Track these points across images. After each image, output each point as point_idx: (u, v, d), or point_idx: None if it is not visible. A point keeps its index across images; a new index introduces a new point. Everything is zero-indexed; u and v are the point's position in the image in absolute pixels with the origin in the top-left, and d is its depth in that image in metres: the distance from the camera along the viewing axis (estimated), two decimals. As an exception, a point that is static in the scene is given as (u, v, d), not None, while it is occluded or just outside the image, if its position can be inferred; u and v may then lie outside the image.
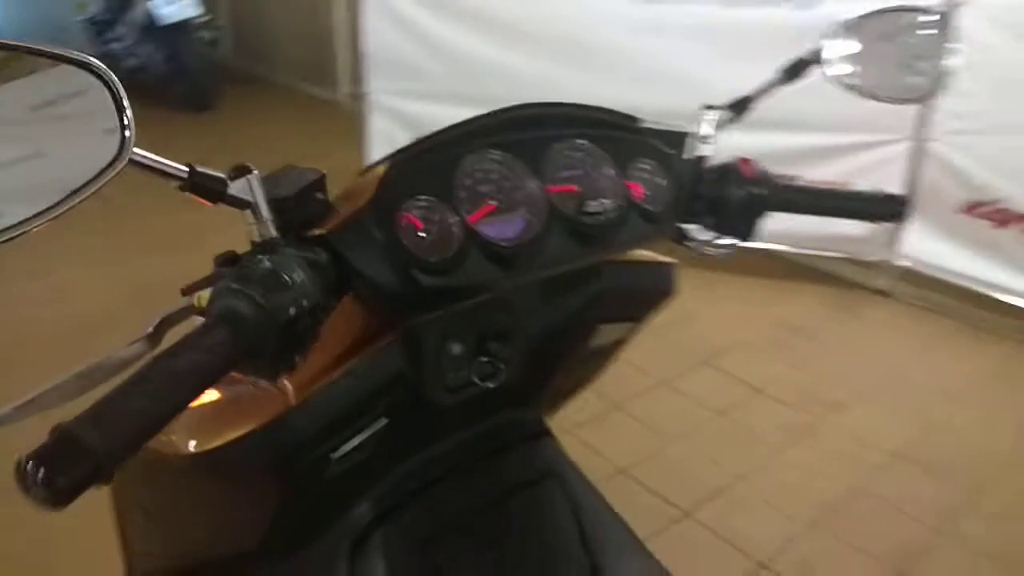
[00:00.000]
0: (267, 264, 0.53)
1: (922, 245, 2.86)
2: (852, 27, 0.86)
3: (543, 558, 0.85)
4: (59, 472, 0.41)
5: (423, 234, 0.61)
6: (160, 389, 0.45)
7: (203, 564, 0.90)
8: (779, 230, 2.88)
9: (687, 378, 2.41)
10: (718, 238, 0.85)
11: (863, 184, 0.98)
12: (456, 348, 0.73)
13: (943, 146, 2.72)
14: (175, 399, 0.46)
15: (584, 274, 0.82)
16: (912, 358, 2.62)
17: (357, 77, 3.50)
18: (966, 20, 2.51)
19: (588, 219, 0.69)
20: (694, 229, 0.85)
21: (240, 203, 0.56)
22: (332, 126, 4.46)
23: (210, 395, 0.67)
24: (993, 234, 2.68)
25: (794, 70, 0.87)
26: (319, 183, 0.61)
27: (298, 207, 0.59)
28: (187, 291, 0.59)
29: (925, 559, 1.79)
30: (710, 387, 2.38)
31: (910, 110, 2.72)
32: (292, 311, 0.53)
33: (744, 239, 0.84)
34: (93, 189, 0.47)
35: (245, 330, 0.50)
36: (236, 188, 0.55)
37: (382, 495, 0.81)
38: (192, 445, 0.65)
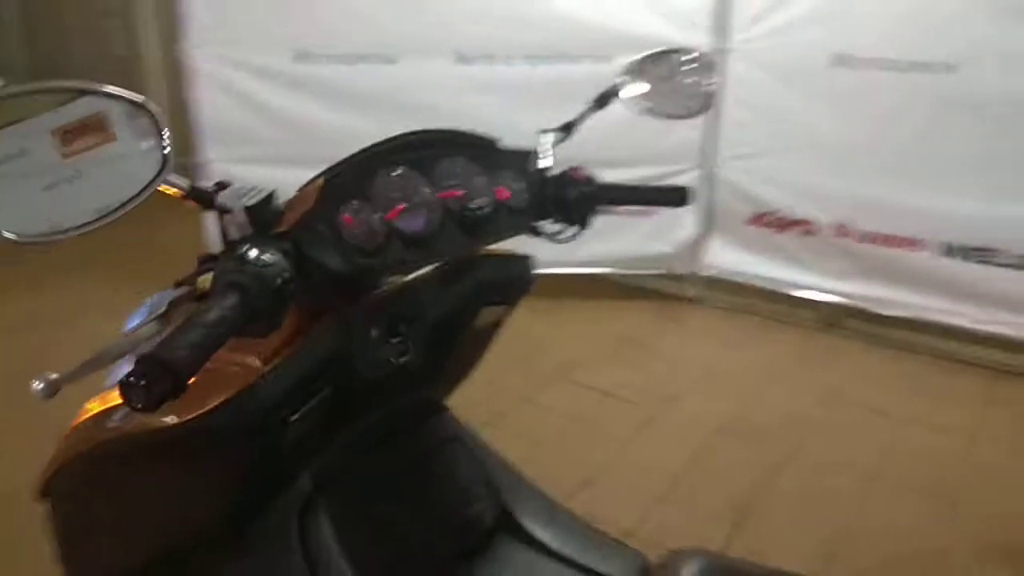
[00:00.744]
0: (253, 250, 0.70)
1: (722, 255, 3.33)
2: (636, 67, 1.15)
3: (461, 504, 1.03)
4: (153, 383, 0.56)
5: (355, 228, 0.80)
6: (201, 332, 0.61)
7: (154, 563, 0.99)
8: (603, 252, 3.34)
9: (545, 392, 2.66)
10: (563, 229, 1.09)
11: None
12: (374, 331, 0.91)
13: (727, 170, 3.22)
14: (212, 341, 0.62)
15: (468, 266, 1.02)
16: (727, 351, 3.04)
17: (188, 147, 3.54)
18: (738, 65, 3.08)
19: (471, 214, 0.91)
20: (545, 224, 1.08)
21: (225, 209, 0.72)
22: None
23: None
24: (776, 239, 3.19)
25: (602, 99, 1.14)
26: (271, 196, 0.78)
27: (262, 212, 0.76)
28: (182, 282, 0.74)
29: (754, 509, 2.12)
30: (566, 397, 2.65)
31: (697, 142, 3.21)
32: (278, 280, 0.70)
33: (582, 227, 1.09)
34: (141, 199, 0.63)
35: (249, 294, 0.67)
36: (222, 198, 0.72)
37: (321, 468, 0.96)
38: (175, 418, 0.78)
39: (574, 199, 1.06)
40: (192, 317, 0.62)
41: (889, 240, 2.96)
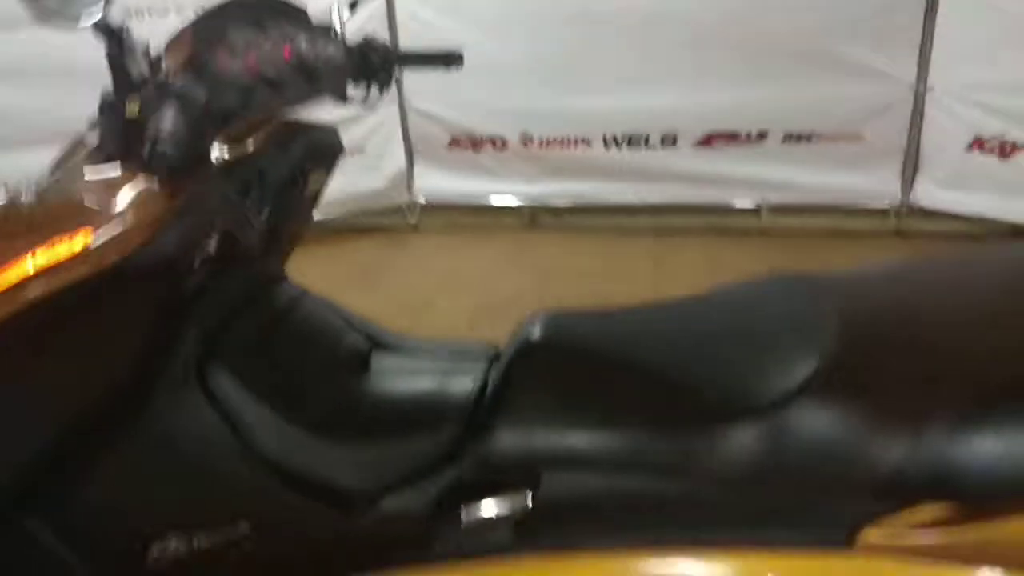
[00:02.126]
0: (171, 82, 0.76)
1: (430, 181, 3.60)
2: None
3: (336, 337, 1.14)
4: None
5: (229, 69, 0.87)
6: (182, 119, 0.68)
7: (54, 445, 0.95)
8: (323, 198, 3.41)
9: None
10: (368, 94, 1.22)
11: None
12: (231, 192, 0.98)
13: (419, 101, 3.46)
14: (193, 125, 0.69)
15: (296, 132, 1.11)
16: (454, 261, 3.34)
17: None
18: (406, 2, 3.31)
19: (309, 63, 1.00)
20: (351, 90, 1.20)
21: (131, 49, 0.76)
22: None
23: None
24: (475, 158, 3.53)
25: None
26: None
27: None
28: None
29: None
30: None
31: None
32: (203, 97, 0.76)
33: (383, 88, 1.23)
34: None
35: (186, 101, 0.72)
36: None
37: (205, 329, 1.00)
38: (107, 258, 0.79)
39: (377, 63, 1.19)
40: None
41: (565, 142, 3.45)
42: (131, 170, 0.85)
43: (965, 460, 0.80)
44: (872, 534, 0.84)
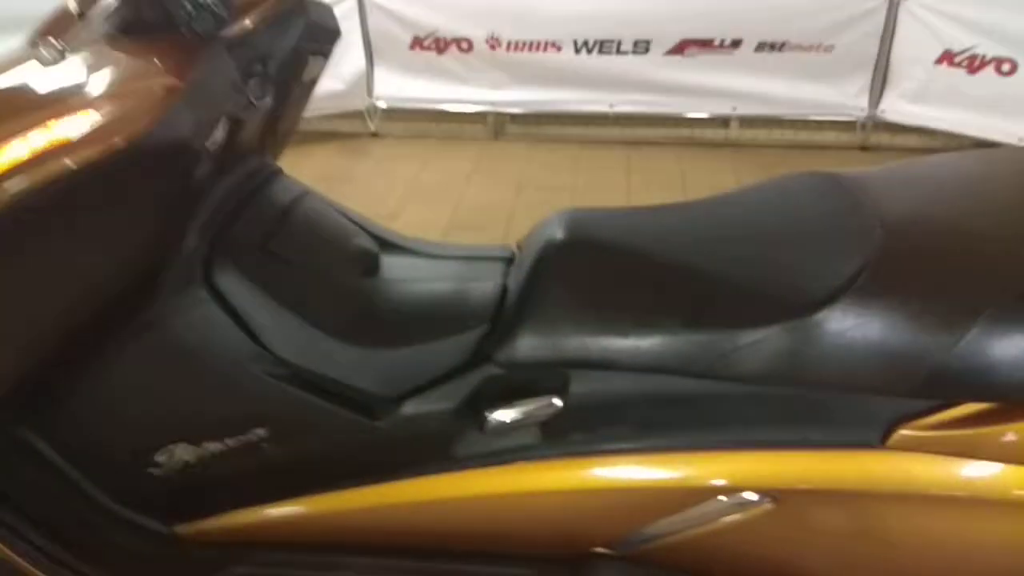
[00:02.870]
0: None
1: (391, 85, 3.44)
2: None
3: (342, 239, 1.07)
4: None
5: None
6: None
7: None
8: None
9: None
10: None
11: None
12: (235, 73, 0.88)
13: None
14: None
15: (296, 9, 1.01)
16: (420, 171, 3.23)
17: None
18: None
19: None
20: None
21: None
22: None
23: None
24: (438, 61, 3.38)
25: None
26: None
27: None
28: None
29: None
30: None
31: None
32: None
33: None
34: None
35: None
36: None
37: (205, 225, 0.93)
38: (117, 138, 0.71)
39: None
40: None
41: (533, 46, 3.32)
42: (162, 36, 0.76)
43: (1006, 360, 0.80)
44: (908, 433, 0.85)
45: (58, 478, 1.00)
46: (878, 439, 0.86)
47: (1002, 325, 0.80)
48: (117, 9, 0.80)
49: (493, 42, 3.32)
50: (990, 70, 3.00)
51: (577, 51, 3.32)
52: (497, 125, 3.52)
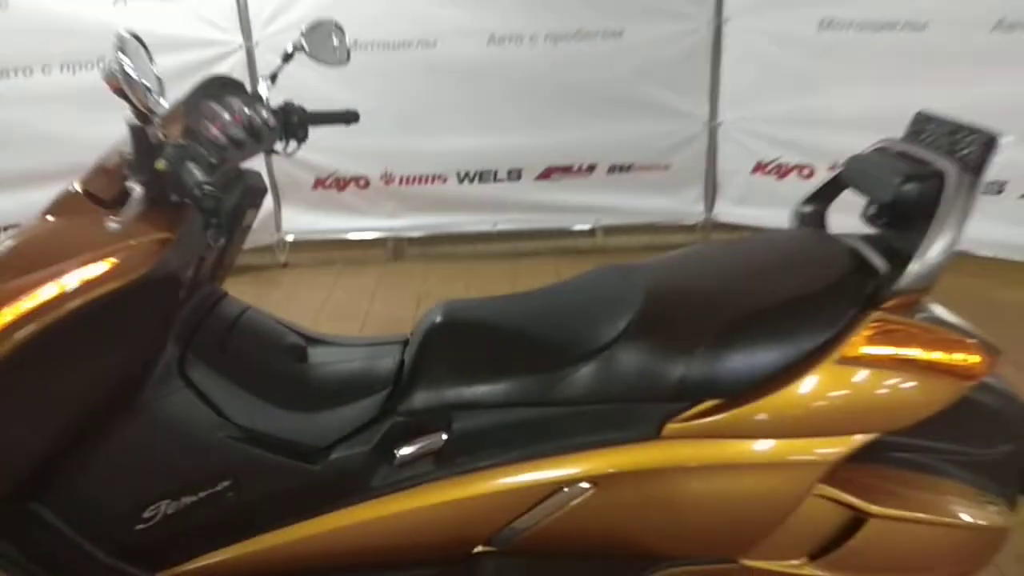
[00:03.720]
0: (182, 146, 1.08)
1: (297, 220, 3.88)
2: (307, 31, 1.61)
3: (279, 338, 1.46)
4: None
5: (214, 134, 1.19)
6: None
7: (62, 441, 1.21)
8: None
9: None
10: (288, 145, 1.56)
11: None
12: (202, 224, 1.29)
13: (284, 147, 3.73)
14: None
15: (239, 177, 1.44)
16: (327, 294, 3.62)
17: None
18: (266, 55, 3.59)
19: (259, 128, 1.34)
20: (278, 144, 1.54)
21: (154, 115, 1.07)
22: None
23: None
24: (339, 196, 3.85)
25: (287, 56, 1.60)
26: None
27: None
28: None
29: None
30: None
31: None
32: (208, 155, 1.08)
33: (301, 141, 1.57)
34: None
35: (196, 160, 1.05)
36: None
37: (178, 335, 1.30)
38: (133, 271, 1.09)
39: (295, 122, 1.54)
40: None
41: (422, 179, 3.85)
42: (172, 207, 1.17)
43: (724, 368, 1.26)
44: (673, 426, 1.28)
45: (60, 539, 1.30)
46: (655, 433, 1.28)
47: (719, 347, 1.26)
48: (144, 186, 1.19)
49: (387, 178, 3.83)
50: (794, 175, 3.71)
51: (460, 181, 3.87)
52: (396, 248, 3.99)
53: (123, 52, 1.10)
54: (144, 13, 3.38)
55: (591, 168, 3.86)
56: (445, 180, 3.87)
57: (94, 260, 1.14)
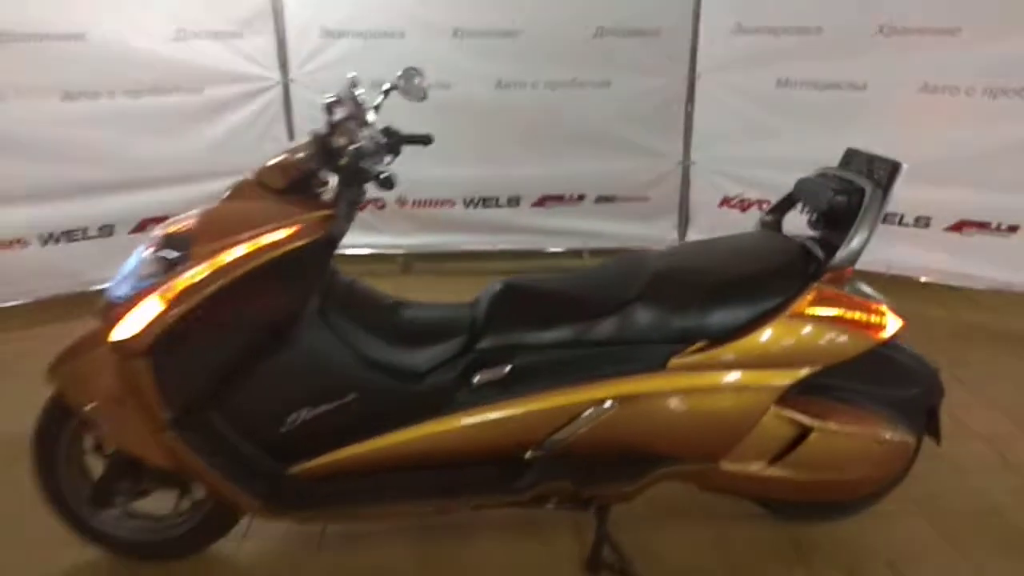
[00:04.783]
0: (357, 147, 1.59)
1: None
2: (402, 75, 2.14)
3: (381, 298, 1.96)
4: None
5: (362, 147, 1.70)
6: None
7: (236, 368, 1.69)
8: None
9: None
10: (387, 158, 2.07)
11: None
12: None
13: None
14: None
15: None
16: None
17: None
18: (300, 91, 4.11)
19: (392, 140, 1.86)
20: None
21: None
22: None
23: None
24: (359, 216, 4.32)
25: (387, 91, 2.12)
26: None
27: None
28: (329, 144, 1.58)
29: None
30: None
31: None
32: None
33: (396, 155, 2.08)
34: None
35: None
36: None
37: (319, 289, 1.79)
38: (317, 232, 1.59)
39: (393, 141, 2.05)
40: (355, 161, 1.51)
41: (432, 203, 4.37)
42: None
43: (710, 320, 1.79)
44: (675, 361, 1.80)
45: (225, 439, 1.76)
46: (661, 366, 1.80)
47: (705, 306, 1.79)
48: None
49: (402, 201, 4.34)
50: (755, 208, 4.31)
51: (466, 206, 4.40)
52: (406, 263, 4.48)
53: (354, 86, 1.62)
54: (198, 50, 3.88)
55: (581, 197, 4.42)
56: (453, 204, 4.40)
57: (281, 227, 1.64)
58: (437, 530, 2.18)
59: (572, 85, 4.23)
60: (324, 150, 1.71)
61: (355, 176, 1.66)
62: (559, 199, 4.43)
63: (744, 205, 4.34)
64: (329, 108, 1.74)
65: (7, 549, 2.11)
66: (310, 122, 4.20)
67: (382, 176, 1.64)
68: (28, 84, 3.49)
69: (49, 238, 3.69)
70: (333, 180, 1.80)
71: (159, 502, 2.01)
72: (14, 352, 3.33)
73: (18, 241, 3.62)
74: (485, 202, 4.42)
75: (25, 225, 3.62)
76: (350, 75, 1.92)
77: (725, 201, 4.38)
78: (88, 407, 1.78)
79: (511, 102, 4.23)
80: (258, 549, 2.11)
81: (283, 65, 4.13)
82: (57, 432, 1.92)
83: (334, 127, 1.70)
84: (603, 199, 4.44)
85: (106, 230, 3.82)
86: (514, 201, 4.42)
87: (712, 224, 4.41)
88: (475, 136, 4.24)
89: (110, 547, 2.02)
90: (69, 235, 3.73)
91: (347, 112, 1.82)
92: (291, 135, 4.23)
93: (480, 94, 4.21)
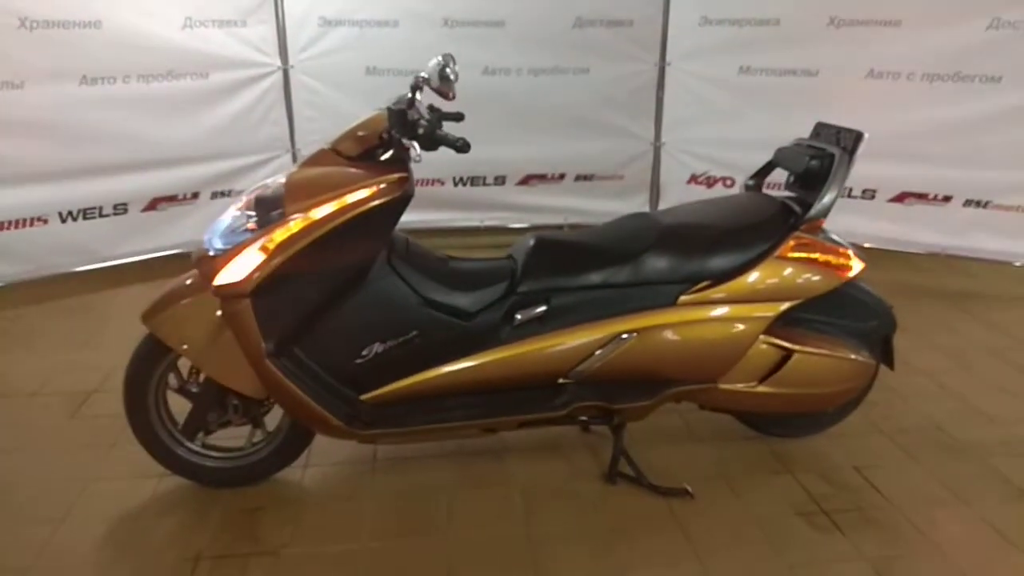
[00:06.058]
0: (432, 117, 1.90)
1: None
2: (432, 67, 2.45)
3: (433, 253, 2.28)
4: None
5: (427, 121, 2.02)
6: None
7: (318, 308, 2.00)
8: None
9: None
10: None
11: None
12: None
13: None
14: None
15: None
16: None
17: None
18: (300, 77, 4.36)
19: (432, 121, 2.18)
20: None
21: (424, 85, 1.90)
22: None
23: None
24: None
25: (419, 84, 2.42)
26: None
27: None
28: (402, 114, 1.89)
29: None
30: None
31: (283, 135, 4.41)
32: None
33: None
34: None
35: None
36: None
37: (389, 240, 2.11)
38: (395, 191, 1.91)
39: (437, 117, 2.37)
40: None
41: (423, 182, 4.67)
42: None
43: (712, 264, 2.17)
44: (683, 298, 2.17)
45: (309, 371, 2.07)
46: (672, 302, 2.17)
47: (707, 253, 2.18)
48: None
49: (395, 180, 4.62)
50: (720, 185, 4.74)
51: (455, 184, 4.72)
52: (399, 240, 4.77)
53: (446, 65, 1.95)
54: (204, 38, 4.10)
55: (561, 176, 4.78)
56: (442, 183, 4.71)
57: (364, 187, 1.95)
58: (473, 454, 2.52)
59: (554, 72, 4.58)
60: (401, 121, 2.02)
61: (435, 141, 1.98)
62: (542, 178, 4.78)
63: (710, 182, 4.76)
64: (416, 84, 2.04)
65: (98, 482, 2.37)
66: (308, 107, 4.50)
67: (459, 143, 1.96)
68: (50, 69, 3.67)
69: (68, 216, 3.88)
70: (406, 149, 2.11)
71: (232, 439, 2.31)
72: (28, 326, 3.54)
73: (39, 219, 3.80)
74: (473, 181, 4.74)
75: (46, 203, 3.81)
76: (444, 53, 2.17)
77: (693, 179, 4.80)
78: (184, 346, 2.07)
79: (497, 88, 4.55)
80: (320, 474, 2.42)
81: (283, 52, 4.37)
82: (147, 375, 2.19)
83: (412, 102, 2.01)
84: (582, 177, 4.81)
85: (120, 208, 4.02)
86: (500, 180, 4.75)
87: (681, 199, 4.75)
88: (466, 120, 4.54)
89: (192, 476, 2.31)
90: (86, 213, 3.93)
91: (436, 88, 2.11)
92: (290, 119, 4.48)
93: (467, 80, 4.47)
